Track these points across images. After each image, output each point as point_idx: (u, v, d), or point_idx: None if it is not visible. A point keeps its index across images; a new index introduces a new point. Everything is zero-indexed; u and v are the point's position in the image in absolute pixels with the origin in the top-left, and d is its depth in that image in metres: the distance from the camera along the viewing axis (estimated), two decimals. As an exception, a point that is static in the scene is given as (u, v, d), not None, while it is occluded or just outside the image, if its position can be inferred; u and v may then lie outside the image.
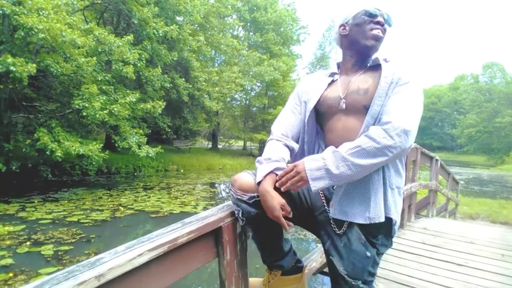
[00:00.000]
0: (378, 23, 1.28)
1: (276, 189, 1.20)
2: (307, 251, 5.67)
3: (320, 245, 2.28)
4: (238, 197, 1.28)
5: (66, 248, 5.36)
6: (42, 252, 5.12)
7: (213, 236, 1.29)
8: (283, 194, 1.23)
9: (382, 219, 1.18)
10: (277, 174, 1.21)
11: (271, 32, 23.76)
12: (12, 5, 7.69)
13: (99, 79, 10.15)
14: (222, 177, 15.12)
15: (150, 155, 11.37)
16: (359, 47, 1.32)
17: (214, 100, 18.05)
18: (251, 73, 21.73)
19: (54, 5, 8.50)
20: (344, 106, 1.28)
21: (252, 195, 1.24)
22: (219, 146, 26.34)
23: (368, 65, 1.34)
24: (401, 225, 4.05)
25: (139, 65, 11.38)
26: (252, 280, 1.54)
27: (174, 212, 7.97)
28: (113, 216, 7.36)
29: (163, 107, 12.67)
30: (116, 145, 11.34)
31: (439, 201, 6.55)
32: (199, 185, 12.63)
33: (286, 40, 25.67)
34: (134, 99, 10.85)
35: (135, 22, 12.03)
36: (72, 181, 11.20)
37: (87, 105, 9.14)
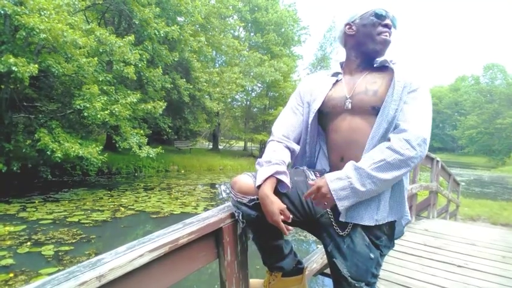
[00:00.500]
0: (386, 25, 1.27)
1: (276, 193, 1.20)
2: (308, 252, 5.66)
3: (320, 246, 2.28)
4: (238, 199, 1.26)
5: (66, 248, 5.36)
6: (42, 253, 5.12)
7: (213, 236, 1.29)
8: (283, 198, 1.23)
9: (390, 219, 1.20)
10: (277, 178, 1.20)
11: (272, 33, 23.75)
12: (13, 5, 7.70)
13: (100, 79, 10.16)
14: (223, 178, 15.12)
15: (151, 156, 11.37)
16: (366, 50, 1.31)
17: (215, 101, 18.05)
18: (252, 74, 21.73)
19: (56, 5, 8.51)
20: (350, 106, 1.27)
21: (252, 197, 1.23)
22: (219, 147, 26.34)
23: (375, 65, 1.33)
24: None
25: (140, 65, 11.39)
26: (253, 281, 1.54)
27: (175, 212, 7.97)
28: (113, 216, 7.36)
29: (164, 107, 12.68)
30: (117, 145, 11.35)
31: (440, 202, 6.55)
32: (200, 185, 12.63)
33: (287, 41, 25.66)
34: (135, 100, 10.86)
35: (136, 22, 12.04)
36: (72, 181, 11.20)
37: (88, 105, 9.15)
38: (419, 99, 1.18)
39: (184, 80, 15.42)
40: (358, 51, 1.33)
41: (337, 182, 1.12)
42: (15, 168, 9.06)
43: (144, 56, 11.58)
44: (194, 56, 15.51)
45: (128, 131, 10.92)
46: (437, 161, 5.41)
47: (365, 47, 1.30)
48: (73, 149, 8.86)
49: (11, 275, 4.35)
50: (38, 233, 5.95)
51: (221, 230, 1.28)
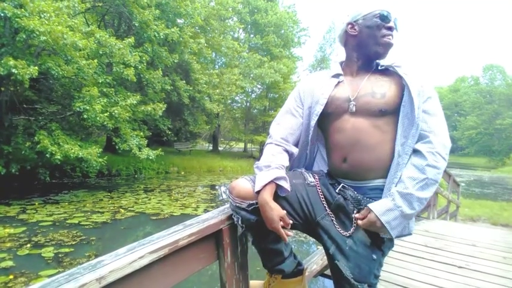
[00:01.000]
0: (390, 28, 1.26)
1: (275, 196, 1.20)
2: (308, 253, 5.65)
3: (321, 247, 2.28)
4: (237, 204, 1.25)
5: (66, 250, 5.35)
6: (42, 255, 5.11)
7: (213, 238, 1.29)
8: (282, 201, 1.22)
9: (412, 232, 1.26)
10: (276, 184, 1.19)
11: (272, 34, 23.78)
12: (13, 7, 7.71)
13: (100, 81, 10.17)
14: (223, 180, 15.11)
15: (151, 158, 11.36)
16: (368, 52, 1.30)
17: (215, 102, 18.05)
18: (252, 75, 21.75)
19: (56, 8, 8.52)
20: (354, 109, 1.25)
21: (251, 202, 1.21)
22: (219, 148, 26.33)
23: (379, 68, 1.32)
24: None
25: (140, 67, 11.40)
26: (253, 283, 1.53)
27: (175, 214, 7.97)
28: (113, 218, 7.35)
29: (163, 109, 12.69)
30: (117, 147, 11.34)
31: (440, 203, 6.54)
32: (200, 187, 12.62)
33: (287, 42, 25.68)
34: (135, 102, 10.86)
35: (136, 25, 12.06)
36: (72, 183, 11.20)
37: (87, 107, 9.15)
38: (437, 107, 1.22)
39: (184, 81, 15.44)
40: (360, 52, 1.32)
41: (389, 214, 1.14)
42: (13, 171, 9.04)
43: (144, 58, 11.59)
44: (194, 57, 15.53)
45: (127, 133, 10.92)
46: (437, 162, 5.41)
47: (367, 48, 1.29)
48: (73, 151, 8.85)
49: (11, 277, 4.34)
50: (37, 235, 5.94)
51: (221, 232, 1.28)
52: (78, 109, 9.20)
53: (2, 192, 8.51)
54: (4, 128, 9.47)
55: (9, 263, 4.74)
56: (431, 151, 1.14)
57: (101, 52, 10.18)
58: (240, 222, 1.26)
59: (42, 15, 8.05)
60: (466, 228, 5.03)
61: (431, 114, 1.19)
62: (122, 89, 11.52)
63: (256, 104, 24.58)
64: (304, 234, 6.79)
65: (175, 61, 13.89)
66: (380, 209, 1.14)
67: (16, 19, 7.66)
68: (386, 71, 1.30)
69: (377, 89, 1.24)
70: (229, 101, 23.30)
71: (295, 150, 1.36)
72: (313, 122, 1.35)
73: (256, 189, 1.18)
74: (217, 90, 17.92)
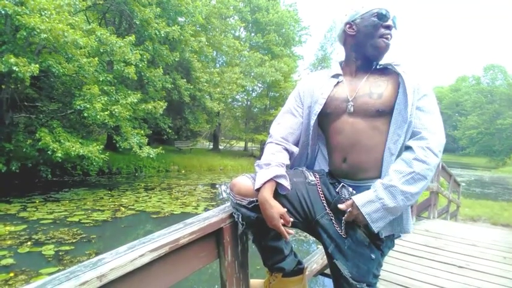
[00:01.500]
0: (388, 27, 1.25)
1: (276, 194, 1.20)
2: (308, 252, 5.66)
3: (321, 247, 2.28)
4: (238, 201, 1.25)
5: (67, 248, 5.36)
6: (43, 252, 5.12)
7: (214, 237, 1.29)
8: (282, 200, 1.22)
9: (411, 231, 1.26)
10: (276, 182, 1.20)
11: (273, 33, 23.75)
12: (14, 5, 7.71)
13: (101, 79, 10.17)
14: (223, 178, 15.12)
15: (151, 156, 11.37)
16: (366, 52, 1.29)
17: (216, 101, 18.05)
18: (252, 74, 21.73)
19: (57, 6, 8.52)
20: (352, 110, 1.25)
21: (251, 199, 1.22)
22: (220, 147, 26.34)
23: (378, 67, 1.32)
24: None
25: (141, 65, 11.40)
26: (253, 281, 1.53)
27: (175, 212, 7.97)
28: (113, 216, 7.36)
29: (164, 107, 12.69)
30: (117, 145, 11.36)
31: (440, 203, 6.54)
32: (200, 185, 12.63)
33: (288, 41, 25.66)
34: (135, 100, 10.86)
35: (137, 23, 12.05)
36: (73, 181, 11.21)
37: (88, 106, 9.15)
38: (433, 105, 1.20)
39: (185, 80, 15.44)
40: (358, 52, 1.31)
41: (370, 206, 1.13)
42: (14, 168, 9.06)
43: (144, 56, 11.59)
44: (195, 56, 15.53)
45: (128, 131, 10.93)
46: (438, 162, 5.40)
47: (365, 48, 1.28)
48: (74, 148, 8.86)
49: (12, 274, 4.35)
50: (38, 233, 5.95)
51: (222, 230, 1.28)
52: (78, 107, 9.21)
53: (3, 190, 8.53)
54: (5, 126, 9.48)
55: (10, 261, 4.75)
56: (422, 146, 1.12)
57: (101, 50, 10.17)
58: (240, 219, 1.27)
59: (43, 13, 8.04)
60: (467, 228, 5.02)
61: (426, 111, 1.18)
62: (123, 87, 11.53)
63: (257, 102, 24.57)
64: (305, 233, 6.81)
65: (176, 59, 13.89)
66: (362, 200, 1.15)
67: (17, 16, 7.66)
68: (386, 70, 1.29)
69: (374, 89, 1.24)
70: (230, 100, 23.29)
71: (295, 150, 1.37)
72: (312, 122, 1.35)
73: (256, 187, 1.19)
74: (218, 89, 17.92)
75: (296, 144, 1.39)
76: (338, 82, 1.34)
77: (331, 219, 1.25)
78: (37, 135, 8.81)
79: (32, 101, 11.32)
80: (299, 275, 1.54)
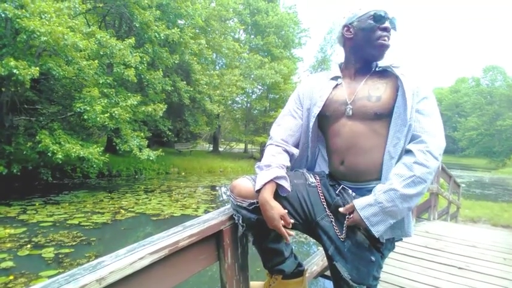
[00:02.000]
0: (385, 29, 1.24)
1: (276, 196, 1.20)
2: (308, 254, 5.65)
3: (321, 248, 2.28)
4: (238, 203, 1.25)
5: (66, 250, 5.35)
6: (42, 255, 5.11)
7: (214, 239, 1.29)
8: (283, 201, 1.22)
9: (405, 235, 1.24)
10: (277, 183, 1.20)
11: (273, 35, 23.79)
12: (14, 8, 7.73)
13: (101, 82, 10.18)
14: (223, 180, 15.11)
15: (151, 158, 11.37)
16: (364, 55, 1.29)
17: (215, 103, 18.07)
18: (252, 76, 21.76)
19: (56, 9, 8.54)
20: (351, 113, 1.25)
21: (252, 201, 1.22)
22: (220, 149, 26.34)
23: (376, 69, 1.31)
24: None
25: (140, 68, 11.41)
26: (253, 283, 1.53)
27: (175, 215, 7.96)
28: (113, 219, 7.35)
29: (164, 109, 12.70)
30: (117, 148, 11.36)
31: (440, 204, 6.53)
32: (200, 187, 12.62)
33: (288, 43, 25.69)
34: (135, 102, 10.87)
35: (137, 25, 12.08)
36: (73, 184, 11.20)
37: (88, 108, 9.16)
38: (432, 108, 1.19)
39: (185, 82, 15.46)
40: (356, 55, 1.31)
41: (368, 209, 1.13)
42: (15, 171, 9.06)
43: (144, 59, 11.61)
44: (194, 58, 15.55)
45: (128, 134, 10.93)
46: (438, 163, 5.40)
47: (363, 51, 1.28)
48: (74, 150, 8.86)
49: (11, 277, 4.34)
50: (38, 236, 5.94)
51: (221, 233, 1.28)
52: (78, 110, 9.22)
53: (3, 193, 8.52)
54: (5, 129, 9.49)
55: (10, 264, 4.74)
56: (422, 150, 1.11)
57: (101, 53, 10.19)
58: (240, 221, 1.26)
59: (43, 16, 8.06)
60: (467, 229, 5.02)
61: (425, 114, 1.17)
62: (123, 90, 11.54)
63: (257, 104, 24.58)
64: (305, 235, 6.79)
65: (176, 62, 13.91)
66: (361, 203, 1.15)
67: (17, 20, 7.68)
68: (385, 73, 1.29)
69: (373, 92, 1.24)
70: (230, 102, 23.32)
71: (295, 151, 1.37)
72: (311, 124, 1.35)
73: (257, 188, 1.19)
74: (218, 91, 17.94)
75: (296, 146, 1.39)
76: (337, 84, 1.34)
77: (331, 221, 1.25)
78: (37, 137, 8.81)
79: (32, 103, 11.32)
80: (299, 277, 1.54)
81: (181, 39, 13.64)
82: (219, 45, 18.57)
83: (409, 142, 1.17)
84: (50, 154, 8.67)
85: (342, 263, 1.21)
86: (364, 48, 1.27)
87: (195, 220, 1.24)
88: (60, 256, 5.13)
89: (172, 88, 14.40)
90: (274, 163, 1.24)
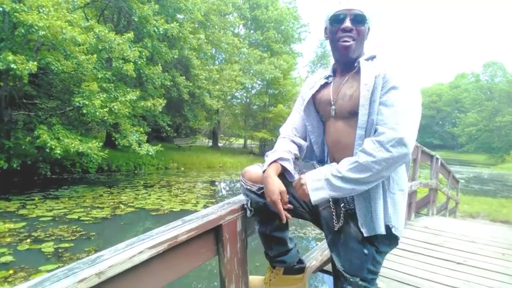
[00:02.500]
0: (345, 29, 1.22)
1: (285, 184, 1.23)
2: (307, 249, 5.67)
3: (320, 243, 2.29)
4: (248, 187, 1.33)
5: (66, 245, 5.36)
6: (42, 250, 5.13)
7: (213, 233, 1.29)
8: (290, 189, 1.26)
9: (382, 231, 1.18)
10: (281, 165, 1.26)
11: (272, 30, 23.69)
12: (12, 2, 7.67)
13: (100, 77, 10.14)
14: (223, 175, 15.12)
15: (150, 153, 11.37)
16: (335, 56, 1.33)
17: (215, 98, 18.04)
18: (252, 71, 21.70)
19: (55, 3, 8.48)
20: (333, 113, 1.30)
21: (261, 185, 1.28)
22: (219, 144, 26.34)
23: (355, 65, 1.30)
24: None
25: (139, 62, 11.37)
26: (253, 278, 1.54)
27: (175, 209, 7.98)
28: (113, 213, 7.36)
29: (163, 104, 12.67)
30: (116, 143, 11.35)
31: (439, 199, 6.56)
32: (200, 183, 12.63)
33: (287, 38, 25.61)
34: (134, 97, 10.84)
35: (136, 20, 12.00)
36: (72, 179, 11.20)
37: (87, 102, 9.14)
38: (398, 98, 1.13)
39: (184, 77, 15.41)
40: (333, 56, 1.36)
41: (311, 174, 1.17)
42: (15, 165, 9.06)
43: (143, 53, 11.56)
44: (194, 53, 15.48)
45: (127, 129, 10.92)
46: (437, 159, 5.41)
47: (333, 52, 1.32)
48: (73, 145, 8.85)
49: (11, 271, 4.36)
50: (37, 230, 5.95)
51: (221, 227, 1.28)
52: (77, 104, 9.19)
53: (2, 188, 8.52)
54: (4, 123, 9.46)
55: (9, 258, 4.75)
56: (373, 140, 1.09)
57: (100, 47, 10.14)
58: (249, 205, 1.34)
59: (41, 10, 8.01)
60: (465, 225, 5.04)
61: (388, 105, 1.13)
62: (122, 85, 11.50)
63: (256, 100, 24.55)
64: (304, 230, 6.83)
65: (175, 57, 13.85)
66: (311, 171, 1.20)
67: (15, 14, 7.63)
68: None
69: (348, 91, 1.26)
70: (229, 97, 23.27)
71: (302, 142, 1.43)
72: (302, 112, 1.44)
73: (264, 169, 1.27)
74: (217, 86, 17.90)
75: (304, 138, 1.45)
76: (326, 83, 1.37)
77: (332, 212, 1.28)
78: (36, 132, 8.79)
79: (31, 98, 11.29)
80: (300, 274, 1.55)
81: (181, 34, 13.57)
82: (219, 40, 18.48)
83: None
84: (48, 150, 8.66)
85: (336, 254, 1.26)
86: (333, 49, 1.30)
87: (194, 215, 1.24)
88: (59, 250, 5.15)
89: (172, 83, 14.37)
90: (279, 149, 1.32)
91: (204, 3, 15.80)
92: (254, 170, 1.35)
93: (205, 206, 8.26)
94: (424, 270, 2.70)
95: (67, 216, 6.87)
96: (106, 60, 11.68)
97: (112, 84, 10.62)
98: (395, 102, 1.12)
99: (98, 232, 6.16)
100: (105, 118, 9.55)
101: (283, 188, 1.21)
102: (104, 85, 10.22)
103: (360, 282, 1.21)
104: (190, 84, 15.60)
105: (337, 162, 1.24)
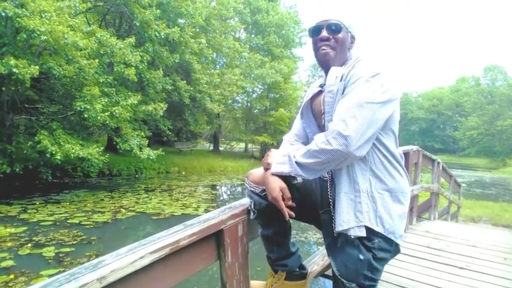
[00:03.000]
0: (321, 39, 1.28)
1: (288, 186, 1.24)
2: (309, 253, 5.65)
3: (321, 248, 2.28)
4: (252, 189, 1.37)
5: (67, 249, 5.36)
6: (43, 254, 5.12)
7: (214, 238, 1.29)
8: (293, 190, 1.27)
9: (345, 228, 1.16)
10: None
11: (273, 35, 23.78)
12: (14, 7, 7.73)
13: (101, 81, 10.18)
14: (224, 180, 15.11)
15: (151, 158, 11.39)
16: (320, 66, 1.37)
17: (216, 102, 18.07)
18: (252, 75, 21.75)
19: (57, 8, 8.53)
20: (323, 122, 1.30)
21: (264, 188, 1.30)
22: (220, 148, 26.33)
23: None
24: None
25: (141, 67, 11.41)
26: (254, 283, 1.54)
27: (176, 214, 7.97)
28: (114, 218, 7.36)
29: (164, 109, 12.70)
30: (118, 147, 11.36)
31: (441, 204, 6.53)
32: (201, 187, 12.62)
33: (288, 42, 25.70)
34: (136, 102, 10.87)
35: (137, 24, 12.07)
36: (73, 183, 11.21)
37: (88, 107, 9.16)
38: (348, 94, 1.14)
39: (185, 81, 15.45)
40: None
41: (282, 150, 1.28)
42: (18, 170, 9.08)
43: (144, 58, 11.60)
44: (195, 57, 15.54)
45: (128, 133, 10.94)
46: (438, 163, 5.40)
47: (318, 64, 1.37)
48: (73, 150, 8.86)
49: (12, 276, 4.35)
50: (38, 235, 5.95)
51: (222, 232, 1.29)
52: (79, 108, 9.22)
53: (4, 192, 8.53)
54: (6, 128, 9.49)
55: (10, 263, 4.75)
56: (324, 133, 1.14)
57: (101, 52, 10.19)
58: (252, 206, 1.38)
59: (43, 15, 8.06)
60: (467, 229, 5.01)
61: (340, 104, 1.15)
62: (123, 89, 11.54)
63: (257, 104, 24.58)
64: (305, 234, 6.81)
65: (176, 61, 13.90)
66: (277, 151, 1.32)
67: (17, 19, 7.68)
68: None
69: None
70: (230, 101, 23.31)
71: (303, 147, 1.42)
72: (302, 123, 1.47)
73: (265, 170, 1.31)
74: (218, 91, 17.93)
75: (306, 143, 1.44)
76: (320, 91, 1.37)
77: (332, 216, 1.27)
78: (36, 137, 8.82)
79: (33, 102, 11.33)
80: (302, 279, 1.55)
81: (182, 39, 13.63)
82: (220, 44, 18.54)
83: None
84: (48, 155, 8.67)
85: (333, 258, 1.26)
86: (316, 61, 1.36)
87: (195, 219, 1.24)
88: (60, 255, 5.14)
89: (173, 87, 14.40)
90: (282, 152, 1.34)
91: (205, 8, 15.87)
92: (258, 172, 1.37)
93: (206, 211, 8.25)
94: (425, 275, 2.69)
95: (68, 221, 6.87)
96: (107, 65, 11.72)
97: (113, 89, 10.65)
98: (346, 99, 1.14)
99: (99, 237, 6.16)
100: (107, 122, 9.57)
101: (284, 185, 1.22)
102: (106, 89, 10.26)
103: None
104: (191, 88, 15.64)
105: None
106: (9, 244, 5.44)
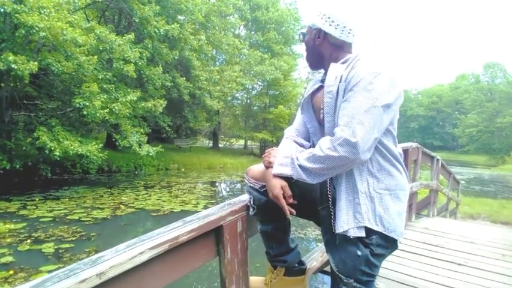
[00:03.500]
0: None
1: (289, 183, 1.24)
2: (308, 250, 5.67)
3: (320, 244, 2.28)
4: (251, 185, 1.38)
5: (66, 246, 5.37)
6: (42, 250, 5.13)
7: (213, 234, 1.29)
8: (293, 186, 1.26)
9: (345, 229, 1.16)
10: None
11: (273, 31, 23.71)
12: (13, 3, 7.70)
13: (100, 77, 10.16)
14: (223, 176, 15.13)
15: (151, 154, 11.39)
16: None
17: (215, 99, 18.05)
18: (252, 72, 21.70)
19: (56, 4, 8.49)
20: (322, 117, 1.29)
21: (263, 184, 1.31)
22: (220, 145, 26.34)
23: None
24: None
25: (140, 63, 11.38)
26: (253, 279, 1.54)
27: (175, 210, 7.98)
28: (113, 214, 7.37)
29: (164, 105, 12.68)
30: (117, 144, 11.36)
31: (440, 201, 6.54)
32: (200, 183, 12.64)
33: (288, 39, 25.62)
34: (135, 98, 10.86)
35: (136, 21, 12.03)
36: (73, 179, 11.21)
37: (87, 103, 9.15)
38: (351, 99, 1.12)
39: (184, 78, 15.42)
40: None
41: (283, 151, 1.27)
42: (18, 166, 9.08)
43: (144, 54, 11.57)
44: (194, 54, 15.50)
45: (128, 129, 10.93)
46: (438, 160, 5.41)
47: None
48: (72, 147, 8.86)
49: (11, 272, 4.36)
50: (38, 231, 5.96)
51: (221, 228, 1.29)
52: (78, 105, 9.20)
53: (3, 188, 8.53)
54: (5, 124, 9.47)
55: (10, 259, 4.76)
56: (330, 138, 1.13)
57: (101, 48, 10.16)
58: (252, 202, 1.39)
59: (42, 11, 8.02)
60: (466, 226, 5.03)
61: (343, 107, 1.14)
62: (122, 85, 11.51)
63: (257, 101, 24.55)
64: (304, 231, 6.83)
65: (176, 58, 13.87)
66: (280, 151, 1.31)
67: (16, 15, 7.65)
68: None
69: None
70: (230, 98, 23.27)
71: (305, 143, 1.43)
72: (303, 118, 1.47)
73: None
74: (218, 87, 17.90)
75: (306, 138, 1.46)
76: (320, 86, 1.37)
77: (331, 212, 1.27)
78: (35, 133, 8.81)
79: (32, 99, 11.31)
80: (301, 275, 1.55)
81: (181, 35, 13.59)
82: (219, 41, 18.48)
83: None
84: (47, 151, 8.67)
85: (331, 254, 1.27)
86: None
87: (195, 215, 1.25)
88: (60, 251, 5.15)
89: (172, 84, 14.37)
90: (283, 149, 1.35)
91: (205, 5, 15.81)
92: (258, 168, 1.38)
93: (205, 207, 8.26)
94: (424, 271, 2.70)
95: (67, 217, 6.88)
96: (107, 61, 11.69)
97: (113, 85, 10.63)
98: (349, 103, 1.12)
99: (98, 233, 6.16)
100: (106, 119, 9.56)
101: (284, 183, 1.22)
102: (105, 86, 10.24)
103: (355, 284, 1.20)
104: (191, 85, 15.61)
105: None
106: (8, 240, 5.45)
